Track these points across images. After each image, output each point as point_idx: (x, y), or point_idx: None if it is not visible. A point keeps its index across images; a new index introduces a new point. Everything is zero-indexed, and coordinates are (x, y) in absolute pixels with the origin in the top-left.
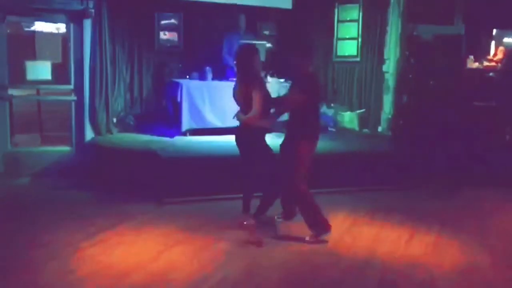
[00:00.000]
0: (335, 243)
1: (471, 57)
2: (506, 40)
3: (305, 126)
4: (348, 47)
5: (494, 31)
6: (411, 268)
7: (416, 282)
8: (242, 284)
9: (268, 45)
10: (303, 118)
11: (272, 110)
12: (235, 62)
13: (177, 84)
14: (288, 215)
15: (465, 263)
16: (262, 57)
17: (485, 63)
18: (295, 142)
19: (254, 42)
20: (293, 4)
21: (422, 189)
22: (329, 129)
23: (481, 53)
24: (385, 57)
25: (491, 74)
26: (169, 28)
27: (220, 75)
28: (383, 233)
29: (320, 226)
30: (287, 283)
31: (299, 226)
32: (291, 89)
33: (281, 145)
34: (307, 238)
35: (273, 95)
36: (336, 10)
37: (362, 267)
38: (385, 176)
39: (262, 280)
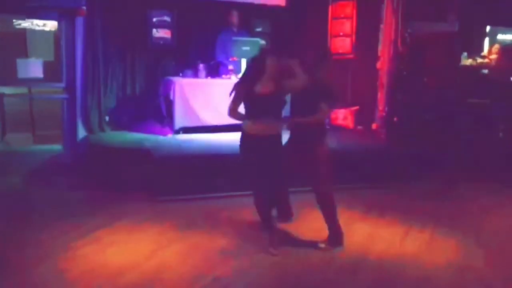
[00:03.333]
0: (326, 240)
1: (465, 54)
2: (499, 37)
3: (321, 128)
4: (342, 44)
5: (488, 28)
6: (405, 266)
7: (410, 280)
8: (235, 283)
9: (262, 42)
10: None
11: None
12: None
13: (170, 81)
14: (285, 217)
15: (459, 261)
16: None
17: (479, 60)
18: (314, 146)
19: (247, 39)
20: (287, 1)
21: (416, 186)
22: None
23: (475, 50)
24: (379, 54)
25: (485, 71)
26: (162, 25)
27: (214, 73)
28: (377, 231)
29: (337, 236)
30: (280, 282)
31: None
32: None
33: (286, 148)
34: (321, 245)
35: None
36: (330, 7)
37: (356, 265)
38: (379, 173)
39: (255, 279)
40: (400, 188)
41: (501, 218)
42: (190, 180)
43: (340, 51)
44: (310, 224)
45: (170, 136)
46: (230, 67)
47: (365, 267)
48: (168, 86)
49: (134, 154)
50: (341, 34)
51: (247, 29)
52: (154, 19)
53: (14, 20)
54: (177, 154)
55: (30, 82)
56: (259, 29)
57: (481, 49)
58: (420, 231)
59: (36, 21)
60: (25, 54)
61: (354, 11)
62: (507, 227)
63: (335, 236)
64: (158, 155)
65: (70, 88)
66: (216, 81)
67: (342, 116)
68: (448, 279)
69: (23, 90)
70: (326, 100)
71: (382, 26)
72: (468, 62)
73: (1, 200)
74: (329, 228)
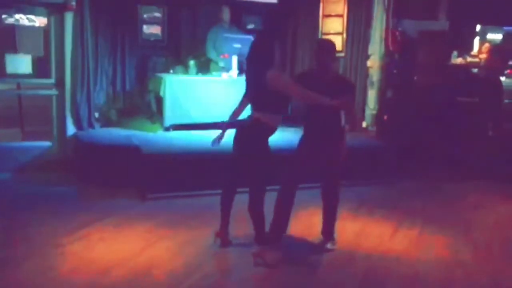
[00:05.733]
0: (318, 238)
1: (455, 52)
2: (489, 36)
3: (341, 124)
4: None
5: (478, 27)
6: (395, 262)
7: (399, 276)
8: (225, 280)
9: (253, 38)
10: (340, 118)
11: None
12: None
13: (160, 78)
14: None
15: (448, 257)
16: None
17: (469, 59)
18: (338, 142)
19: (238, 35)
20: None
21: (405, 184)
22: None
23: (465, 48)
24: (370, 52)
25: (474, 70)
26: (152, 21)
27: (204, 70)
28: (367, 228)
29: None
30: (269, 278)
31: None
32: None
33: (308, 146)
34: (330, 246)
35: None
36: (321, 5)
37: (345, 262)
38: (369, 171)
39: (245, 276)
40: (390, 185)
41: (489, 215)
42: (180, 177)
43: None
44: (298, 221)
45: (160, 132)
46: (221, 64)
47: (355, 264)
48: (158, 82)
49: (123, 151)
50: (332, 32)
51: (238, 26)
52: (145, 15)
53: (3, 15)
54: (167, 151)
55: (19, 77)
56: (250, 26)
57: (471, 48)
58: (409, 228)
59: (25, 16)
60: (14, 50)
61: (346, 9)
62: (494, 223)
63: (333, 232)
64: (148, 152)
65: (59, 84)
66: (207, 78)
67: None
68: (437, 275)
69: (11, 85)
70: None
71: (373, 24)
72: (458, 61)
73: None
74: (332, 225)
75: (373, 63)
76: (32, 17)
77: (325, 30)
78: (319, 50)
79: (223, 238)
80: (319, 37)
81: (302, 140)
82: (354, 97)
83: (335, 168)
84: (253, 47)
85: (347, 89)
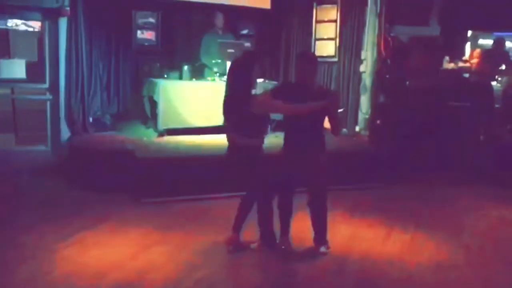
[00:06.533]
0: (312, 242)
1: (447, 57)
2: (480, 41)
3: (323, 137)
4: (326, 47)
5: (469, 32)
6: (388, 266)
7: (392, 280)
8: (220, 284)
9: (247, 44)
10: (322, 130)
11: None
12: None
13: (155, 83)
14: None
15: (441, 261)
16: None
17: (460, 64)
18: (319, 156)
19: (232, 41)
20: (272, 4)
21: (398, 188)
22: None
23: (456, 54)
24: (362, 57)
25: (466, 75)
26: (146, 26)
27: (198, 75)
28: (360, 231)
29: (326, 236)
30: (264, 283)
31: None
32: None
33: (287, 158)
34: (323, 250)
35: None
36: (314, 10)
37: (339, 265)
38: (362, 175)
39: (240, 280)
40: (382, 190)
41: (481, 219)
42: (174, 181)
43: (324, 54)
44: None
45: (154, 137)
46: (215, 69)
47: (348, 268)
48: (152, 87)
49: (117, 155)
50: (326, 37)
51: (232, 31)
52: (139, 20)
53: None
54: (161, 156)
55: (13, 82)
56: (244, 32)
57: (463, 54)
58: (402, 231)
59: (19, 22)
60: (8, 55)
61: (339, 15)
62: (486, 227)
63: (326, 237)
64: (142, 157)
65: (53, 89)
66: (201, 83)
67: (326, 118)
68: (430, 278)
69: (5, 90)
70: (334, 110)
71: (365, 29)
72: (450, 66)
73: None
74: (324, 231)
75: (366, 68)
76: (26, 22)
77: (318, 35)
78: (301, 63)
79: (237, 243)
80: (313, 42)
81: (283, 151)
82: (338, 104)
83: (319, 180)
84: (232, 71)
85: (330, 96)
